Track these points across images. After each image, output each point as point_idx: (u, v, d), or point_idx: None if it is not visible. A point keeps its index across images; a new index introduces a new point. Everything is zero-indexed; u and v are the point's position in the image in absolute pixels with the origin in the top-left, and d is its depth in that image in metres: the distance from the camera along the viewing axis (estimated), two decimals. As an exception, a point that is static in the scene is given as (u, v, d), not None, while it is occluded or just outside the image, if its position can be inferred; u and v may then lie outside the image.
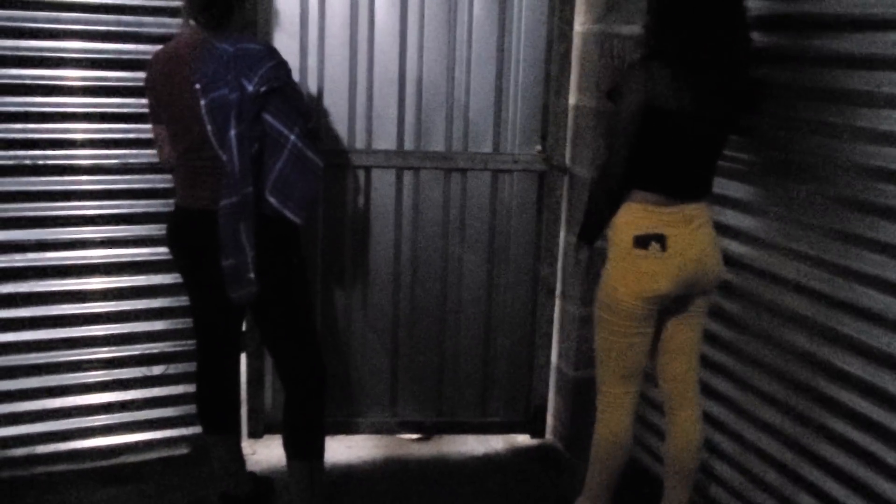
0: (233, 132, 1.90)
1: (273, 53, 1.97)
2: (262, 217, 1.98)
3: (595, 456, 2.19)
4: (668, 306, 2.05)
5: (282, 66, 1.96)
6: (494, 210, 2.73)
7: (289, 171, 1.94)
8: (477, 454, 2.82)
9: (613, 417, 2.13)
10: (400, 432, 2.87)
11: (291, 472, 2.23)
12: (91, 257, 2.49)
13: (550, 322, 2.81)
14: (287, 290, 2.12)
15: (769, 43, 2.03)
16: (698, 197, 2.00)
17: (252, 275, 1.99)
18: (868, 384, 1.80)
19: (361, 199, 2.70)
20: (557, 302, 2.80)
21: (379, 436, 2.88)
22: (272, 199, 1.95)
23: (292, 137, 1.93)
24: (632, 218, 1.96)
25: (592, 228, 2.08)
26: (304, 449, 2.21)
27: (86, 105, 2.40)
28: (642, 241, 1.93)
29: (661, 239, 1.93)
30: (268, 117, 1.92)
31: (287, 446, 2.21)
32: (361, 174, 2.67)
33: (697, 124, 1.91)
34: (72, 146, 2.41)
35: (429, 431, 2.89)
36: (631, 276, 1.96)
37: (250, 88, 1.88)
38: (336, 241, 2.72)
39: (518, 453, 2.84)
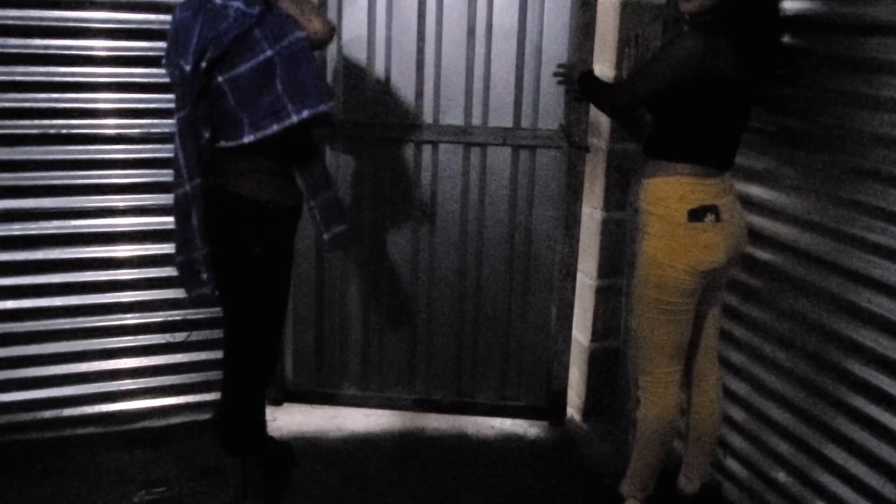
0: (175, 117, 1.83)
1: (196, 11, 1.78)
2: (223, 202, 1.90)
3: (643, 440, 2.16)
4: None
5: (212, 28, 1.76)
6: (515, 186, 2.70)
7: (292, 75, 1.80)
8: (494, 425, 2.84)
9: (663, 398, 2.10)
10: (415, 409, 2.88)
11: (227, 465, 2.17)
12: (117, 225, 2.54)
13: (570, 305, 2.76)
14: (241, 285, 1.99)
15: (796, 10, 1.99)
16: (731, 166, 2.03)
17: (205, 275, 1.91)
18: (888, 360, 1.78)
19: (379, 173, 2.70)
20: (579, 276, 2.78)
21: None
22: (305, 113, 1.80)
23: (269, 53, 1.78)
24: (683, 192, 1.95)
25: (592, 96, 2.27)
26: (234, 446, 2.13)
27: (110, 75, 2.43)
28: (698, 214, 1.93)
29: (714, 210, 1.94)
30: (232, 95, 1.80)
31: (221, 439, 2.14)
32: (379, 147, 2.67)
33: (748, 94, 1.94)
34: (97, 115, 2.45)
35: (445, 411, 2.88)
36: (688, 251, 1.95)
37: (187, 68, 1.79)
38: (353, 216, 2.72)
39: (536, 426, 2.85)
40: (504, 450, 2.68)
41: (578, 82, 2.34)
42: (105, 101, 2.44)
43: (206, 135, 1.88)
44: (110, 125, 2.46)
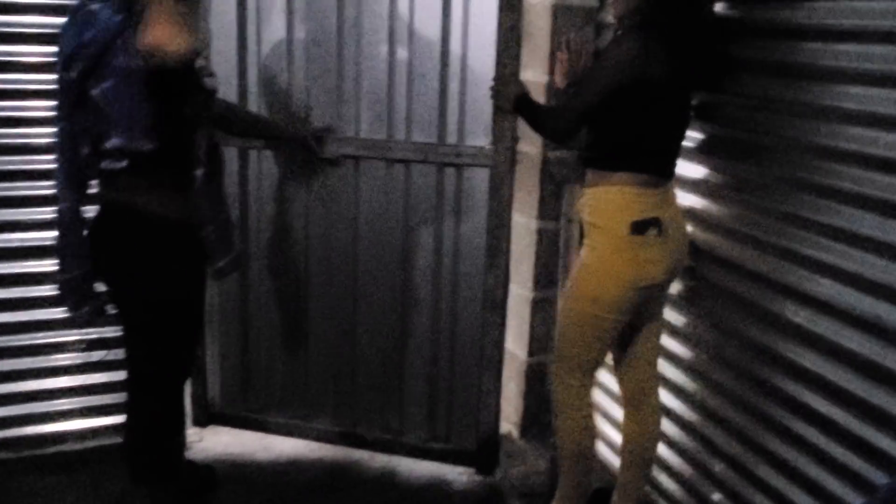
0: (56, 126, 1.78)
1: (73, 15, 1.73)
2: (123, 218, 1.84)
3: (565, 455, 2.09)
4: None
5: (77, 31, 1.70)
6: (441, 204, 2.54)
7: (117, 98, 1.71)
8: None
9: (579, 410, 2.04)
10: (340, 443, 2.73)
11: None
12: (27, 240, 2.43)
13: (497, 345, 2.59)
14: (145, 306, 1.88)
15: (731, 15, 1.91)
16: (673, 175, 1.93)
17: (88, 293, 1.88)
18: (819, 378, 1.69)
19: (298, 190, 2.59)
20: (512, 287, 2.67)
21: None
22: (115, 142, 1.73)
23: (124, 66, 1.68)
24: (625, 202, 1.86)
25: (530, 120, 2.09)
26: (142, 474, 2.04)
27: (39, 82, 2.32)
28: (640, 227, 1.84)
29: (657, 223, 1.84)
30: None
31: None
32: (296, 162, 2.56)
33: (684, 99, 1.88)
34: (25, 124, 2.35)
35: (370, 448, 2.70)
36: (629, 266, 1.87)
37: (57, 76, 1.75)
38: (270, 236, 2.62)
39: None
40: (434, 475, 2.59)
41: (515, 106, 2.15)
42: (34, 109, 2.33)
43: (86, 150, 1.80)
44: (39, 134, 2.32)
